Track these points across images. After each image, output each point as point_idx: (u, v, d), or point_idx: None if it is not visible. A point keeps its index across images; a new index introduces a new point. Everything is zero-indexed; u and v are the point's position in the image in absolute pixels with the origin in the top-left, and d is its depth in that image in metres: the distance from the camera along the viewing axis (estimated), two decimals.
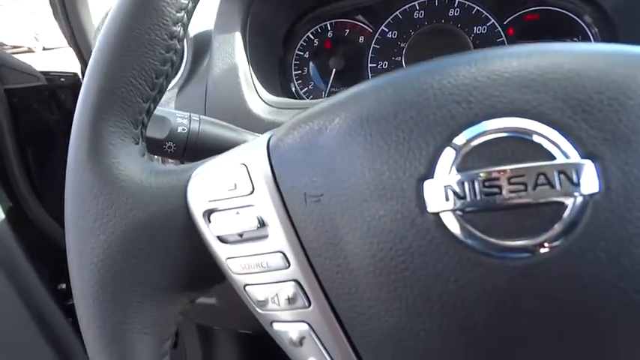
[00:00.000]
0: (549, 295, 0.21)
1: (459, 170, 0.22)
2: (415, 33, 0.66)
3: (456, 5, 0.65)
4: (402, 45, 0.66)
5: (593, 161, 0.21)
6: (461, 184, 0.21)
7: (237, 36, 0.60)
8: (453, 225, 0.22)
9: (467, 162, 0.22)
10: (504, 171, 0.21)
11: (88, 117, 0.28)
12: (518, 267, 0.21)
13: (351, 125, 0.24)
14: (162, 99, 0.63)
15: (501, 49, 0.24)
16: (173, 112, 0.40)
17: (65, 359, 0.82)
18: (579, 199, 0.21)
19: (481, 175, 0.21)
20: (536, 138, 0.21)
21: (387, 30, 0.67)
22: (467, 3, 0.64)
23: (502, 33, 0.63)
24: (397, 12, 0.67)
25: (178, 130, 0.40)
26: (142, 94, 0.29)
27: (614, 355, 0.21)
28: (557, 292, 0.21)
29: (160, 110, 0.39)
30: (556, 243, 0.21)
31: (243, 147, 0.29)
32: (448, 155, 0.22)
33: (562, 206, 0.21)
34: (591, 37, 0.60)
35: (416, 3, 0.66)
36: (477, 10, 0.64)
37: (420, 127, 0.23)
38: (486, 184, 0.21)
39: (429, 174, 0.22)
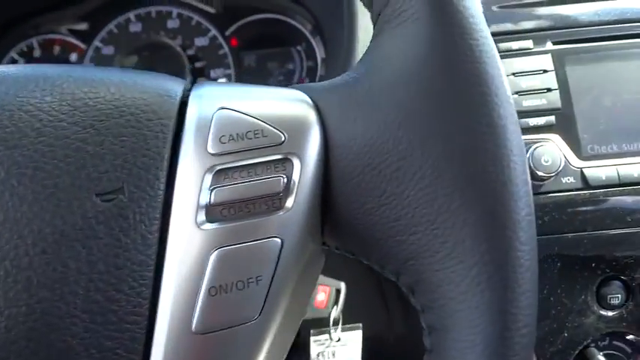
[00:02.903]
0: None
1: None
2: (133, 48, 0.58)
3: (174, 16, 0.59)
4: (121, 62, 0.58)
5: None
6: None
7: None
8: None
9: None
10: None
11: None
12: None
13: None
14: None
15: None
16: None
17: None
18: None
19: None
20: None
21: (101, 45, 0.59)
22: (185, 13, 0.59)
23: (224, 44, 0.58)
24: (112, 25, 0.59)
25: None
26: None
27: None
28: None
29: None
30: None
31: None
32: None
33: None
34: (314, 44, 0.58)
35: (131, 14, 0.59)
36: (197, 20, 0.59)
37: None
38: None
39: None
